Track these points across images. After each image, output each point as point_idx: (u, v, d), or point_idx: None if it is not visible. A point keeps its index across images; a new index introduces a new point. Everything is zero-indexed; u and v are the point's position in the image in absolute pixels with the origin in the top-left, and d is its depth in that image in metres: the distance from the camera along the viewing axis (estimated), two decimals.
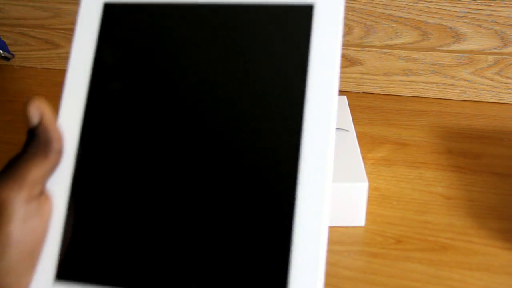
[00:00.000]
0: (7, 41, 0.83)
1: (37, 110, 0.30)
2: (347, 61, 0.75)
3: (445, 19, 0.70)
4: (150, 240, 0.30)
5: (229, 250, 0.29)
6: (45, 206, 0.30)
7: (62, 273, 0.30)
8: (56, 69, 0.88)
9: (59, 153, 0.31)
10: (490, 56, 0.71)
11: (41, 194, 0.30)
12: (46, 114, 0.30)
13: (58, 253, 0.30)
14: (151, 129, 0.32)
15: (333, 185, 0.49)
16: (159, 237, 0.30)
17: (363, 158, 0.53)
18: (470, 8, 0.68)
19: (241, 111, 0.31)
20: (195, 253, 0.29)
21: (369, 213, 0.52)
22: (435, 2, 0.69)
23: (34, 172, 0.29)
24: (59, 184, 0.31)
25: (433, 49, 0.72)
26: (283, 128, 0.30)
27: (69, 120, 0.32)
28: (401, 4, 0.70)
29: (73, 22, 0.35)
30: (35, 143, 0.30)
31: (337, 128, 0.58)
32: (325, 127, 0.29)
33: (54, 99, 0.75)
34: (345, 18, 0.73)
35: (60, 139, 0.31)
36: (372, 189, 0.56)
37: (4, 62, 0.84)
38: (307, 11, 0.31)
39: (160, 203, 0.30)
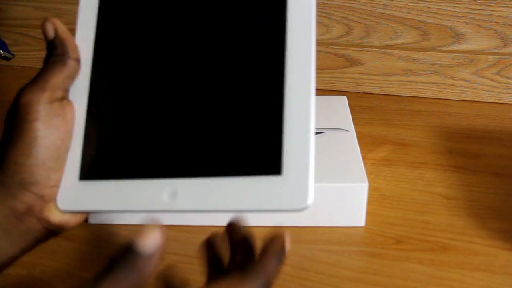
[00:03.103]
0: (7, 41, 0.83)
1: (51, 24, 0.34)
2: (347, 61, 0.75)
3: (445, 19, 0.70)
4: (160, 136, 0.33)
5: (231, 138, 0.31)
6: (68, 109, 0.34)
7: (86, 174, 0.33)
8: None
9: (77, 61, 0.34)
10: (490, 56, 0.71)
11: (64, 99, 0.34)
12: (59, 28, 0.34)
13: (81, 157, 0.33)
14: (161, 39, 0.34)
15: (333, 186, 0.49)
16: (169, 134, 0.33)
17: (363, 158, 0.53)
18: (470, 8, 0.68)
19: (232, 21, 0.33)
20: (203, 147, 0.32)
21: (369, 213, 0.52)
22: (435, 2, 0.69)
23: (55, 77, 0.33)
24: (79, 95, 0.35)
25: (433, 49, 0.72)
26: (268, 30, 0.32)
27: (84, 36, 0.36)
28: (401, 4, 0.70)
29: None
30: (54, 53, 0.33)
31: (337, 128, 0.58)
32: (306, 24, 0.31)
33: None
34: (345, 18, 0.73)
35: (76, 49, 0.34)
36: (372, 189, 0.56)
37: (4, 62, 0.84)
38: None
39: (170, 103, 0.33)
